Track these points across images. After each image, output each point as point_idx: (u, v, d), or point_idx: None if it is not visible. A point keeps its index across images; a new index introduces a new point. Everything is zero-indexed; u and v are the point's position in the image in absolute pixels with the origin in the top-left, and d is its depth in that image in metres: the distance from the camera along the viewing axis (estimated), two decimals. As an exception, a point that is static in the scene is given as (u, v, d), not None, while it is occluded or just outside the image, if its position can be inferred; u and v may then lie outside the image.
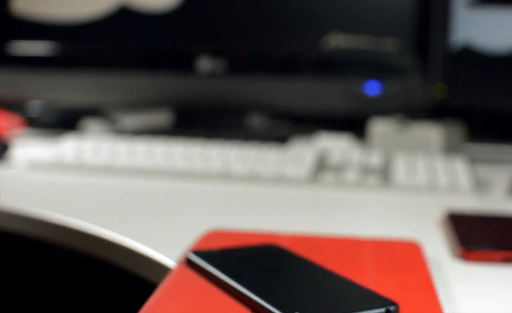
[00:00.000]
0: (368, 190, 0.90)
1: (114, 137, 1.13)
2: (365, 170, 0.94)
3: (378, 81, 1.20)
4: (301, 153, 0.98)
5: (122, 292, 1.00)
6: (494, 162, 1.10)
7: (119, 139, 1.07)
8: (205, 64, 1.23)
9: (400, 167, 0.94)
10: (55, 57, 1.28)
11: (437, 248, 0.63)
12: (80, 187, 0.88)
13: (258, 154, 0.99)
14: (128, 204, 0.80)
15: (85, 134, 1.25)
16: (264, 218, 0.74)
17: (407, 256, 0.56)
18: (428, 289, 0.48)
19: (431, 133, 1.07)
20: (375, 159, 0.97)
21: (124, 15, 1.25)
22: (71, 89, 1.34)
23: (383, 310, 0.43)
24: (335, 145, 1.12)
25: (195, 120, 1.30)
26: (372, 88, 1.20)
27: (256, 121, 1.31)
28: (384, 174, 0.93)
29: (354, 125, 1.22)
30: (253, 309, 0.44)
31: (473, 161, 1.05)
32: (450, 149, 1.08)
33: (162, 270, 0.58)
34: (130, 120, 1.36)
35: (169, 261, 0.58)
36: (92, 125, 1.31)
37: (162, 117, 1.34)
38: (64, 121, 1.33)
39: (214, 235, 0.62)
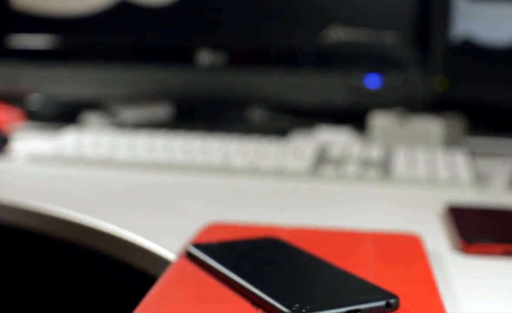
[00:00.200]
0: (368, 183, 0.90)
1: (114, 131, 1.13)
2: (366, 163, 0.94)
3: (379, 75, 1.20)
4: (301, 147, 0.98)
5: (122, 285, 1.00)
6: (494, 155, 1.10)
7: (119, 133, 1.07)
8: (205, 57, 1.23)
9: (401, 161, 0.94)
10: (55, 50, 1.28)
11: (437, 241, 0.63)
12: (80, 181, 0.88)
13: (258, 147, 0.99)
14: (128, 197, 0.80)
15: (85, 127, 1.25)
16: (264, 211, 0.74)
17: (407, 249, 0.56)
18: (428, 282, 0.48)
19: (431, 126, 1.07)
20: (375, 152, 0.97)
21: (124, 8, 1.24)
22: (71, 82, 1.34)
23: (383, 302, 0.43)
24: (336, 138, 1.12)
25: (195, 114, 1.30)
26: (373, 82, 1.20)
27: (256, 114, 1.30)
28: (384, 168, 0.93)
29: (354, 118, 1.22)
30: (253, 302, 0.44)
31: (473, 154, 1.05)
32: (450, 142, 1.08)
33: (162, 263, 0.58)
34: (130, 113, 1.36)
35: (169, 254, 0.58)
36: (92, 118, 1.31)
37: (162, 111, 1.34)
38: (64, 115, 1.33)
39: (214, 228, 0.62)
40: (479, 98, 1.14)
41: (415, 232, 0.64)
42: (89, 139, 1.03)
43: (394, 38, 1.15)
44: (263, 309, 0.43)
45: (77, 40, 1.28)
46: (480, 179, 0.92)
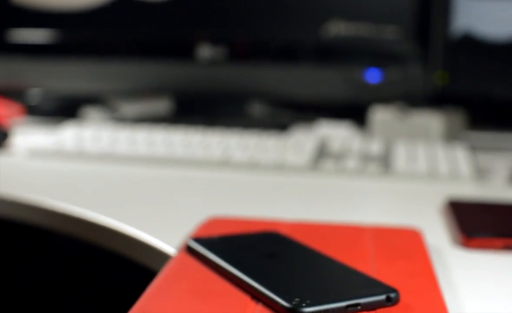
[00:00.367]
0: (368, 177, 0.90)
1: (114, 125, 1.13)
2: (366, 158, 0.94)
3: (379, 69, 1.19)
4: (301, 141, 0.98)
5: (122, 279, 1.00)
6: (494, 150, 1.10)
7: (119, 127, 1.07)
8: (205, 51, 1.23)
9: (401, 155, 0.94)
10: (55, 45, 1.27)
11: (437, 235, 0.63)
12: (80, 175, 0.88)
13: (258, 141, 0.99)
14: (128, 191, 0.80)
15: (85, 122, 1.25)
16: (264, 206, 0.74)
17: (407, 243, 0.56)
18: (428, 276, 0.48)
19: (431, 120, 1.07)
20: (375, 146, 0.97)
21: (124, 2, 1.24)
22: (71, 77, 1.34)
23: (383, 296, 0.43)
24: (336, 133, 1.12)
25: (195, 108, 1.30)
26: (373, 76, 1.20)
27: (257, 108, 1.30)
28: (385, 162, 0.93)
29: (354, 113, 1.22)
30: (253, 296, 0.44)
31: (473, 148, 1.05)
32: (450, 136, 1.08)
33: (162, 257, 0.58)
34: (130, 108, 1.36)
35: (169, 248, 0.58)
36: (92, 113, 1.31)
37: (162, 105, 1.34)
38: (64, 109, 1.33)
39: (214, 222, 0.62)
40: (479, 92, 1.14)
41: (415, 226, 0.64)
42: (89, 134, 1.03)
43: (394, 33, 1.15)
44: (263, 303, 0.43)
45: (77, 35, 1.28)
46: (480, 173, 0.92)
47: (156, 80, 1.32)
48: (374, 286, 0.44)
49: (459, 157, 0.93)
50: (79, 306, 1.10)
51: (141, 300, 0.43)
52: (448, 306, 0.43)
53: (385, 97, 1.18)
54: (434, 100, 1.16)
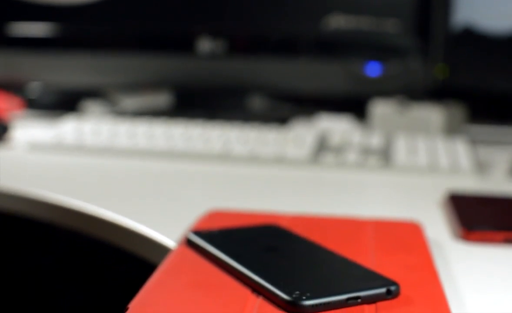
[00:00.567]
0: (368, 171, 0.90)
1: (114, 119, 1.13)
2: (366, 151, 0.94)
3: (379, 62, 1.19)
4: (301, 134, 0.98)
5: (122, 272, 1.00)
6: (495, 143, 1.10)
7: (119, 121, 1.07)
8: (205, 45, 1.23)
9: (401, 148, 0.94)
10: (55, 38, 1.27)
11: (438, 229, 0.63)
12: (80, 169, 0.88)
13: (258, 135, 0.99)
14: (128, 185, 0.80)
15: (85, 115, 1.25)
16: (265, 199, 0.74)
17: (408, 237, 0.56)
18: (428, 269, 0.48)
19: (432, 114, 1.07)
20: (375, 140, 0.97)
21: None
22: (71, 70, 1.34)
23: (384, 289, 0.42)
24: (336, 126, 1.12)
25: (195, 101, 1.30)
26: (373, 69, 1.20)
27: (257, 102, 1.30)
28: (385, 155, 0.93)
29: (354, 106, 1.22)
30: (254, 289, 0.44)
31: (474, 142, 1.04)
32: (451, 130, 1.08)
33: (162, 250, 0.58)
34: (130, 101, 1.36)
35: (169, 242, 0.58)
36: (92, 106, 1.31)
37: (162, 98, 1.34)
38: (64, 103, 1.33)
39: (214, 215, 0.62)
40: (479, 86, 1.13)
41: (416, 219, 0.64)
42: (89, 127, 1.03)
43: (395, 26, 1.15)
44: (264, 296, 0.43)
45: (77, 28, 1.28)
46: (481, 167, 0.92)
47: (156, 74, 1.31)
48: (375, 279, 0.44)
49: (459, 151, 0.93)
50: (79, 299, 1.10)
51: (141, 293, 0.43)
52: (448, 299, 0.43)
53: (385, 90, 1.18)
54: (434, 93, 1.16)
